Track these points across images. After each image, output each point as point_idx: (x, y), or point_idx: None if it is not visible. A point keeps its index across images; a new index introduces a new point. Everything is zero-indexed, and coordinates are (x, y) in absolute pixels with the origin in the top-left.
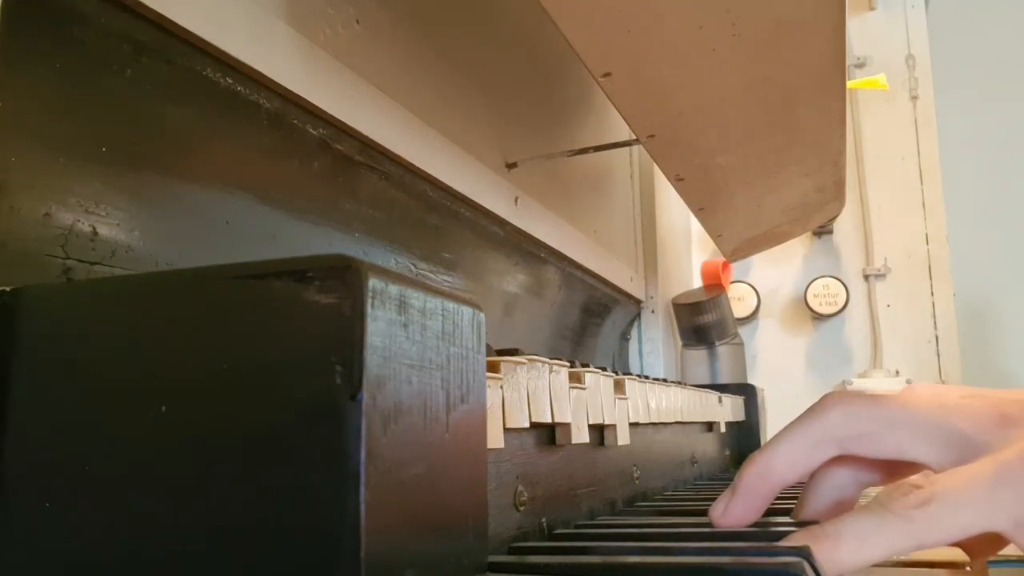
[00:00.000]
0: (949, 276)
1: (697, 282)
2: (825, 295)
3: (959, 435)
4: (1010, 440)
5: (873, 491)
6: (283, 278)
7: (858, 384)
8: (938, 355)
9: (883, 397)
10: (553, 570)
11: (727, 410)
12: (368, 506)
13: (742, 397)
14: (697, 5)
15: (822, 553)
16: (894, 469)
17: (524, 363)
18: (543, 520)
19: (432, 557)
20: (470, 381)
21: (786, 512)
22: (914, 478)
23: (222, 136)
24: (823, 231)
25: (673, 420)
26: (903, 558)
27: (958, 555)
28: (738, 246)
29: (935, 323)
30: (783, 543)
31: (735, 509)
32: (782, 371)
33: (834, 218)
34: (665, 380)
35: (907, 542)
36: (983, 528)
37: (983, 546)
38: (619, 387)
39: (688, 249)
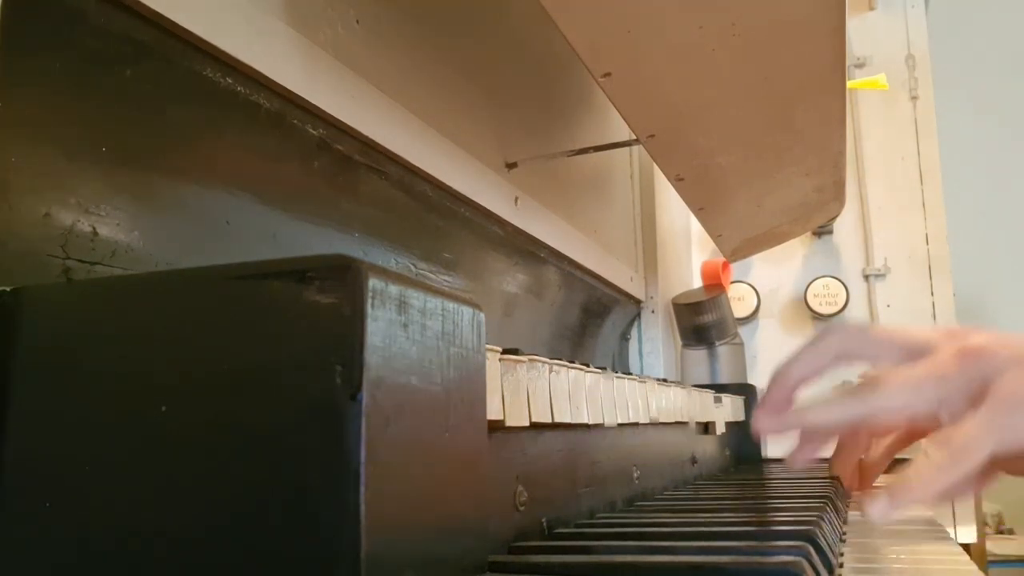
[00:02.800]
0: (949, 276)
1: (697, 282)
2: (825, 295)
3: (915, 342)
4: (948, 347)
5: None
6: (283, 278)
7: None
8: None
9: (869, 325)
10: (553, 569)
11: (727, 410)
12: (368, 506)
13: (742, 397)
14: (697, 5)
15: (796, 417)
16: None
17: (524, 362)
18: (543, 520)
19: (432, 557)
20: (470, 381)
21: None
22: (876, 374)
23: (222, 136)
24: (823, 231)
25: (673, 420)
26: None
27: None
28: (738, 246)
29: (935, 323)
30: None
31: (765, 404)
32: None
33: (834, 218)
34: (665, 380)
35: (861, 410)
36: (915, 408)
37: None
38: (618, 387)
39: (688, 249)
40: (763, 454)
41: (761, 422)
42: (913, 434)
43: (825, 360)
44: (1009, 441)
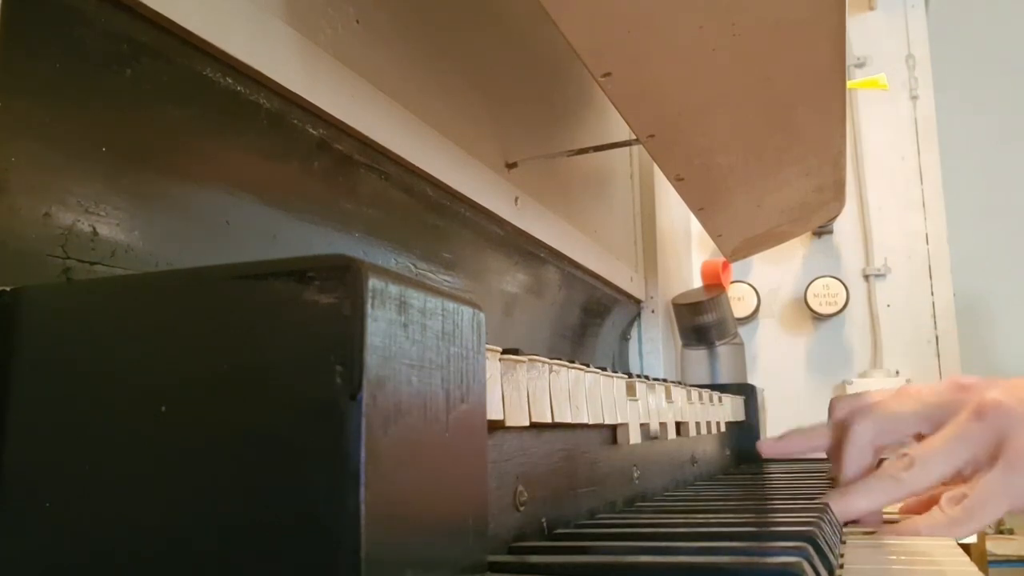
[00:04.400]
0: (949, 276)
1: (697, 282)
2: (825, 295)
3: (932, 408)
4: (963, 402)
5: None
6: (283, 278)
7: (858, 384)
8: (938, 355)
9: (884, 399)
10: (553, 570)
11: (727, 410)
12: (368, 506)
13: (742, 397)
14: (697, 5)
15: (842, 504)
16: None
17: (524, 362)
18: (543, 520)
19: (432, 557)
20: (470, 381)
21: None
22: (904, 449)
23: (222, 136)
24: (823, 231)
25: (673, 420)
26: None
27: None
28: (738, 246)
29: (935, 323)
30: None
31: (775, 447)
32: (782, 371)
33: (834, 218)
34: (665, 380)
35: (899, 492)
36: (948, 474)
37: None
38: (620, 387)
39: (688, 249)
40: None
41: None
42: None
43: (868, 456)
44: (1021, 499)
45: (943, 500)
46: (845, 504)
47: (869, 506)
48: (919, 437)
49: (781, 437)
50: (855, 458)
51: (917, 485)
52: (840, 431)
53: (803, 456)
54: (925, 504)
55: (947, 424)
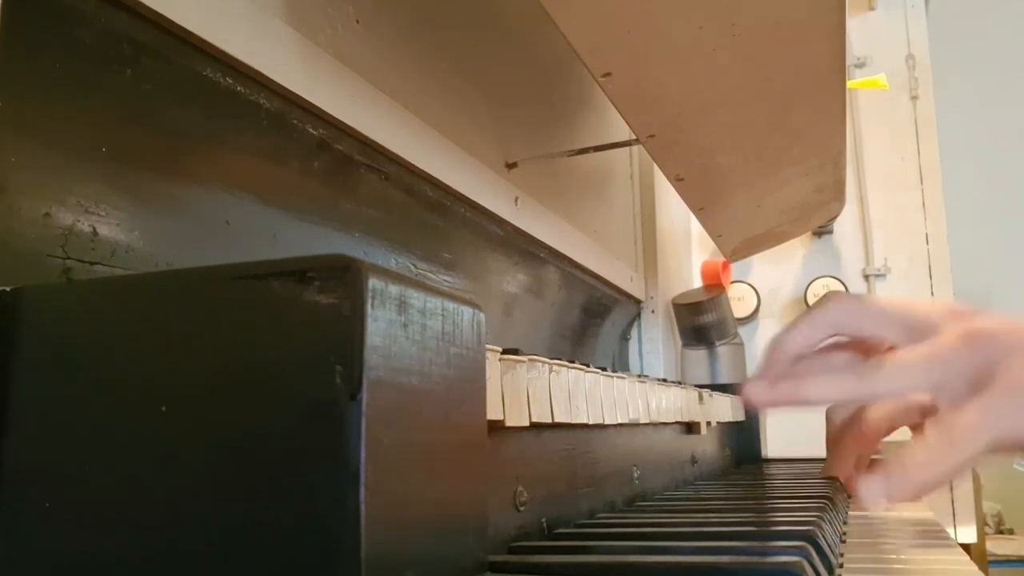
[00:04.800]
0: (949, 276)
1: (697, 282)
2: None
3: (917, 320)
4: (951, 328)
5: None
6: (283, 278)
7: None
8: None
9: (870, 296)
10: (553, 570)
11: (727, 410)
12: (368, 506)
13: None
14: (697, 5)
15: (792, 390)
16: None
17: (524, 362)
18: (543, 520)
19: (432, 557)
20: (470, 381)
21: (784, 510)
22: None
23: (222, 136)
24: (823, 231)
25: (673, 420)
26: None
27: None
28: (738, 246)
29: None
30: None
31: (761, 376)
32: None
33: (834, 218)
34: (665, 380)
35: (859, 389)
36: (917, 387)
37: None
38: (619, 387)
39: (688, 249)
40: (763, 454)
41: (754, 392)
42: (907, 417)
43: (822, 332)
44: (1009, 429)
45: (927, 427)
46: (794, 391)
47: (820, 395)
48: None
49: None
50: (801, 326)
51: (877, 386)
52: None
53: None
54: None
55: (927, 341)
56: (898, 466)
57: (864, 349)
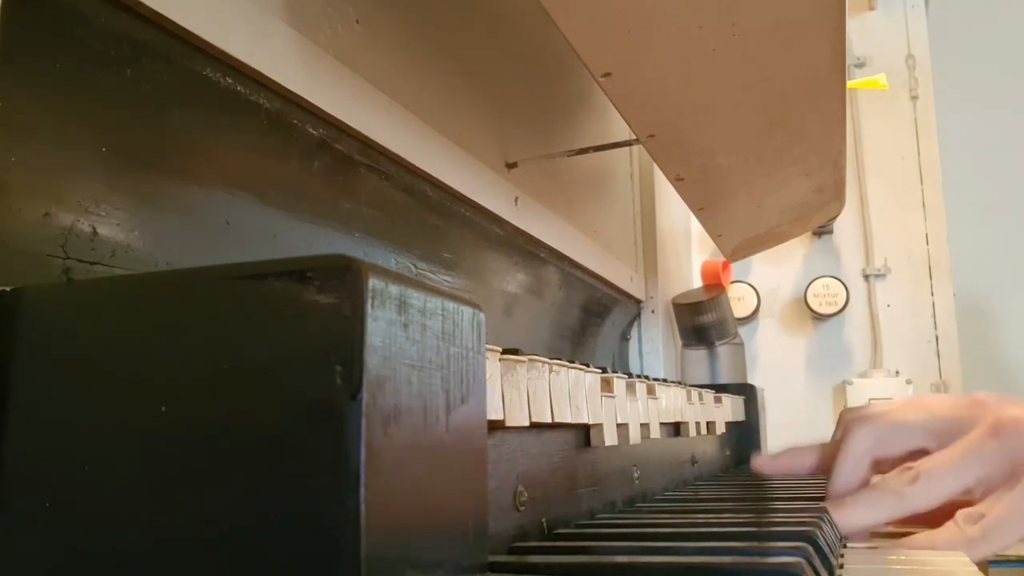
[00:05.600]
0: (949, 276)
1: (697, 282)
2: (825, 295)
3: (943, 423)
4: (977, 419)
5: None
6: (283, 278)
7: (858, 384)
8: (938, 355)
9: (889, 409)
10: (553, 570)
11: (727, 410)
12: (368, 506)
13: (742, 397)
14: (697, 5)
15: (839, 516)
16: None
17: (524, 362)
18: (543, 520)
19: (432, 557)
20: (470, 381)
21: (784, 511)
22: (908, 464)
23: (222, 136)
24: (823, 231)
25: (673, 420)
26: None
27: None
28: (738, 246)
29: (935, 323)
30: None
31: (769, 466)
32: (782, 371)
33: (834, 218)
34: (665, 380)
35: (902, 509)
36: (956, 492)
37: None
38: (618, 387)
39: (688, 249)
40: (763, 454)
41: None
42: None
43: (864, 467)
44: None
45: (959, 516)
46: (840, 517)
47: (866, 521)
48: (924, 453)
49: (778, 455)
50: (849, 467)
51: (921, 502)
52: (840, 442)
53: (801, 474)
54: (936, 519)
55: (958, 440)
56: (928, 543)
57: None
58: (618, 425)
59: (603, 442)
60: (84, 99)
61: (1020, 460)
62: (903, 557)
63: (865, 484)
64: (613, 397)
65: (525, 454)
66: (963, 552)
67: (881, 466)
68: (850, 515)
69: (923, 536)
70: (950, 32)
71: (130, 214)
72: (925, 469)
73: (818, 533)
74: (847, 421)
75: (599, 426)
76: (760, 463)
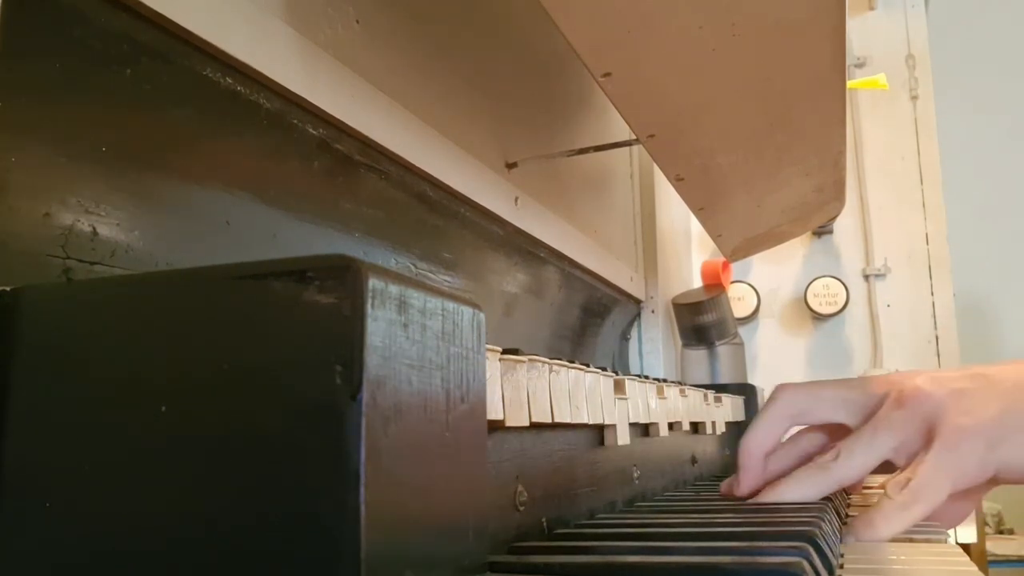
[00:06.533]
0: (949, 276)
1: (697, 282)
2: (825, 295)
3: (860, 398)
4: (887, 395)
5: None
6: (283, 278)
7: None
8: (938, 355)
9: (817, 382)
10: (553, 570)
11: (727, 410)
12: (368, 506)
13: (742, 397)
14: (697, 5)
15: (773, 496)
16: (835, 436)
17: (524, 362)
18: (543, 520)
19: (432, 557)
20: (470, 381)
21: (784, 511)
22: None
23: (222, 136)
24: (823, 231)
25: (673, 420)
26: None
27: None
28: (738, 246)
29: (935, 323)
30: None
31: (742, 482)
32: (782, 371)
33: (834, 218)
34: (665, 380)
35: (828, 483)
36: (876, 462)
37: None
38: (619, 387)
39: (688, 249)
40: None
41: (739, 490)
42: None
43: (780, 427)
44: (964, 476)
45: (888, 486)
46: (775, 496)
47: (796, 497)
48: (847, 432)
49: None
50: (763, 427)
51: (844, 474)
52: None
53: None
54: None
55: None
56: (866, 524)
57: (830, 431)
58: (629, 425)
59: (615, 442)
60: (84, 99)
61: (931, 422)
62: (903, 556)
63: (774, 445)
64: (626, 399)
65: (525, 454)
66: (901, 521)
67: (808, 451)
68: (783, 493)
69: (860, 518)
70: (950, 32)
71: (130, 214)
72: (844, 445)
73: (818, 533)
74: (776, 388)
75: (599, 426)
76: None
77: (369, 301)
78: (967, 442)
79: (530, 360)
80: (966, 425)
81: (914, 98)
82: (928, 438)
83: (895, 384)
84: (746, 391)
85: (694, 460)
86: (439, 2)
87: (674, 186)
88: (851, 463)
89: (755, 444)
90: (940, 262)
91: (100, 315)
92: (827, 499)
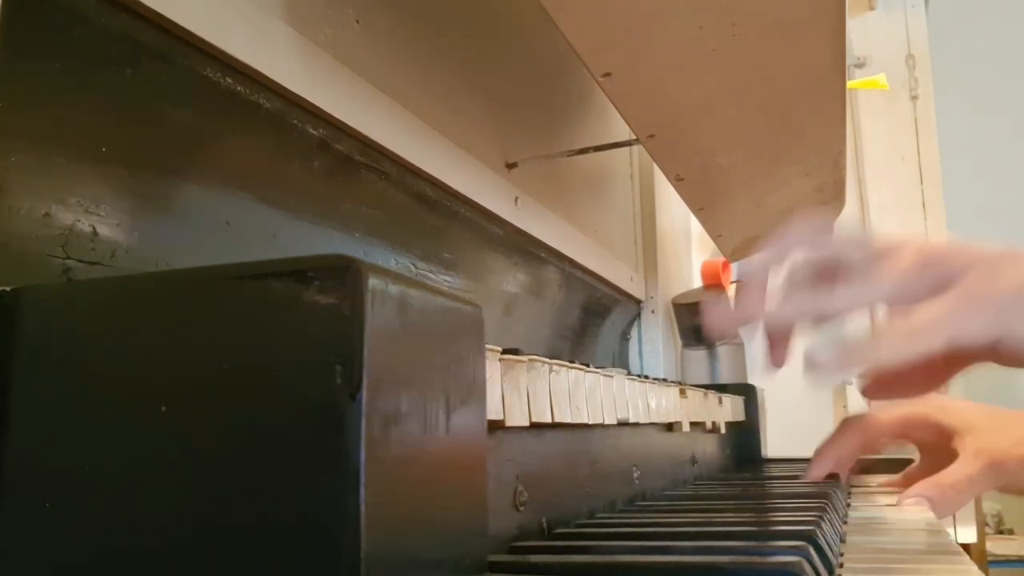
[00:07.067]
0: None
1: (697, 282)
2: None
3: (878, 241)
4: (959, 282)
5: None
6: (283, 278)
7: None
8: None
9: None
10: (553, 570)
11: (727, 410)
12: (368, 506)
13: (742, 397)
14: (697, 5)
15: (771, 312)
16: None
17: (524, 362)
18: (543, 520)
19: (432, 557)
20: (470, 381)
21: (784, 510)
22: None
23: (222, 136)
24: None
25: (673, 420)
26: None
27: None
28: (738, 246)
29: None
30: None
31: (738, 303)
32: (782, 371)
33: (834, 218)
34: (665, 380)
35: (815, 306)
36: (869, 302)
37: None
38: (619, 387)
39: (688, 249)
40: (763, 454)
41: (715, 315)
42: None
43: (786, 249)
44: (966, 331)
45: (887, 322)
46: (753, 309)
47: (774, 315)
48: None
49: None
50: (770, 249)
51: (835, 302)
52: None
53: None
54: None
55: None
56: (854, 348)
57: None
58: (618, 425)
59: (603, 442)
60: (84, 99)
61: (944, 282)
62: (903, 556)
63: (781, 263)
64: (613, 397)
65: (525, 454)
66: (889, 351)
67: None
68: (774, 309)
69: (849, 343)
70: (950, 32)
71: (130, 214)
72: (848, 278)
73: (818, 533)
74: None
75: (599, 426)
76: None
77: (369, 301)
78: (983, 299)
79: (530, 360)
80: (985, 285)
81: (914, 98)
82: (936, 295)
83: (921, 242)
84: (746, 391)
85: (694, 460)
86: (439, 2)
87: (674, 186)
88: (849, 294)
89: (756, 260)
90: None
91: (100, 315)
92: (827, 498)
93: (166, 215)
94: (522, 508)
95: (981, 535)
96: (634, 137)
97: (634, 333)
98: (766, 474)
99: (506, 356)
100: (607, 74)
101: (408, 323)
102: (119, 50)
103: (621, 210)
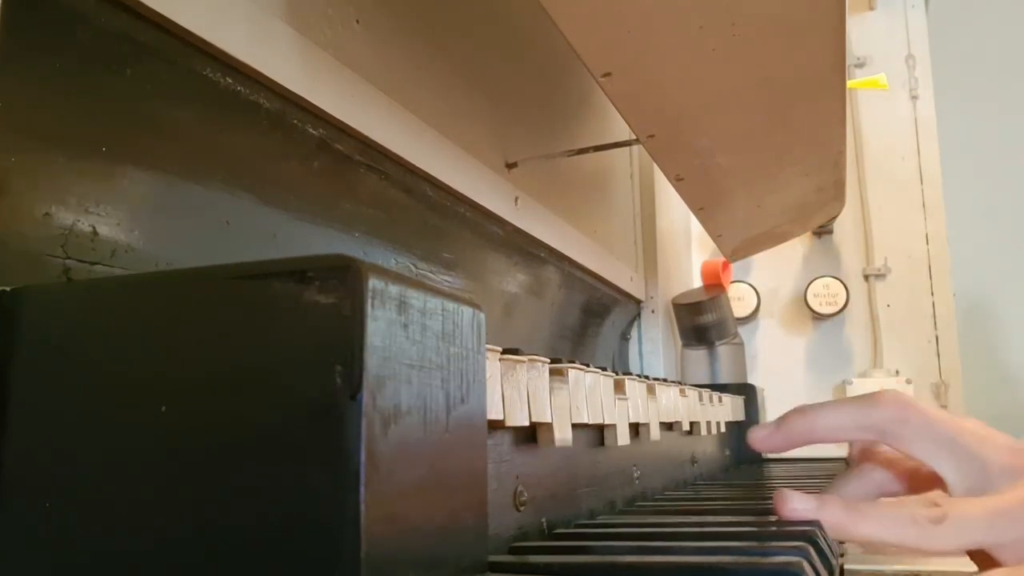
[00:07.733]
0: (949, 276)
1: (697, 282)
2: (825, 295)
3: (970, 454)
4: (1016, 484)
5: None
6: (283, 278)
7: (858, 384)
8: (938, 355)
9: (933, 411)
10: (553, 570)
11: (727, 410)
12: (368, 506)
13: (742, 397)
14: (697, 5)
15: (847, 519)
16: (915, 483)
17: (524, 362)
18: (543, 520)
19: (432, 557)
20: (470, 381)
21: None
22: (934, 494)
23: (222, 136)
24: (823, 231)
25: (673, 420)
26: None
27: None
28: (738, 246)
29: (935, 323)
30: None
31: (774, 440)
32: (782, 371)
33: (834, 218)
34: (665, 380)
35: (916, 543)
36: (974, 546)
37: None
38: (619, 387)
39: (688, 249)
40: (763, 454)
41: (766, 444)
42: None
43: (864, 433)
44: (988, 543)
45: (932, 496)
46: (850, 520)
47: (873, 537)
48: (937, 482)
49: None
50: (842, 418)
51: (938, 545)
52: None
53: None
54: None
55: (990, 495)
56: (858, 511)
57: (898, 464)
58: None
59: (616, 442)
60: (84, 99)
61: None
62: (904, 557)
63: (836, 441)
64: (613, 397)
65: (525, 454)
66: (894, 536)
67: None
68: (858, 523)
69: (860, 504)
70: (950, 32)
71: (130, 214)
72: (954, 512)
73: (818, 533)
74: (883, 391)
75: (599, 426)
76: (759, 439)
77: (369, 301)
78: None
79: (530, 360)
80: None
81: (914, 98)
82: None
83: (1020, 457)
84: (746, 391)
85: (694, 460)
86: (439, 2)
87: (674, 186)
88: (954, 537)
89: (821, 422)
90: (940, 262)
91: (100, 315)
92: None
93: (166, 215)
94: (522, 508)
95: None
96: (634, 137)
97: (634, 333)
98: (766, 474)
99: (506, 356)
100: (607, 74)
101: (408, 323)
102: (119, 50)
103: (621, 210)
